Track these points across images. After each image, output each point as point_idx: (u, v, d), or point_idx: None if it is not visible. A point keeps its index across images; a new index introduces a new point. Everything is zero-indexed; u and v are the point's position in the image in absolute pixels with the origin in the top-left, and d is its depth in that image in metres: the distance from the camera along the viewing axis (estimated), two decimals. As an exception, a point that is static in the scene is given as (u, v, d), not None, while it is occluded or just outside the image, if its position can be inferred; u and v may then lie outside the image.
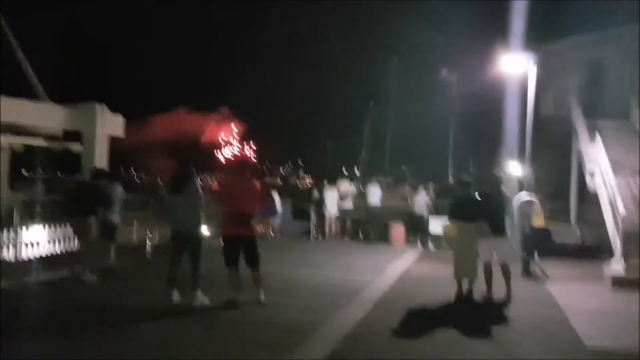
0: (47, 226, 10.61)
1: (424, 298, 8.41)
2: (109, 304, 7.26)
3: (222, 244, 7.21)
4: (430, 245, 14.80)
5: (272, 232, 15.93)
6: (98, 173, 9.59)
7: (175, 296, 7.09)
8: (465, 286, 8.53)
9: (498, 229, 8.58)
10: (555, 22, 19.86)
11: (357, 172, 39.24)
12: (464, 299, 8.43)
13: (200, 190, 7.34)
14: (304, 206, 16.35)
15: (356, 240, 15.80)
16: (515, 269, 9.53)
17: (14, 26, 27.93)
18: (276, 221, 15.74)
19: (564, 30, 19.08)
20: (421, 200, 15.15)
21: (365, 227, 15.98)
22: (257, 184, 7.30)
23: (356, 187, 18.76)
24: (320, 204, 15.54)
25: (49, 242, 10.40)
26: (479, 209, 8.63)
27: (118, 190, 9.15)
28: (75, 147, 26.50)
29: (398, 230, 15.28)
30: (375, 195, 15.90)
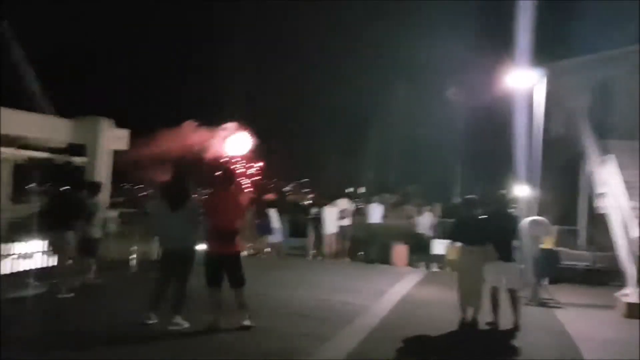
0: (27, 240, 10.03)
1: (425, 325, 7.79)
2: (79, 324, 6.67)
3: (204, 262, 6.65)
4: (434, 266, 14.16)
5: (269, 250, 15.34)
6: (80, 184, 9.04)
7: (153, 318, 6.49)
8: (470, 313, 7.90)
9: (506, 253, 7.98)
10: (563, 41, 19.39)
11: (362, 190, 38.63)
12: (468, 326, 7.80)
13: (199, 208, 6.78)
14: (303, 223, 15.74)
15: (356, 260, 15.16)
16: (523, 294, 8.94)
17: (19, 37, 27.75)
18: (272, 239, 15.15)
19: (572, 49, 18.63)
20: (426, 220, 14.54)
21: (366, 247, 15.35)
22: (243, 197, 6.74)
23: (357, 205, 18.18)
24: (318, 221, 14.93)
25: (28, 256, 9.80)
26: (485, 231, 8.03)
27: (100, 203, 8.58)
28: (79, 160, 26.55)
29: (400, 251, 14.65)
30: (376, 213, 15.28)
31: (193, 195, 6.83)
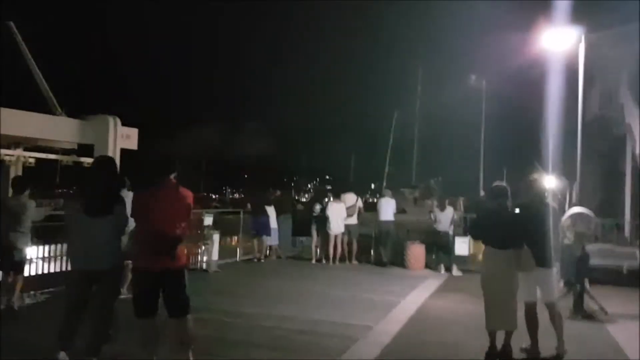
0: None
1: (442, 353, 5.98)
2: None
3: (133, 283, 4.92)
4: (455, 269, 12.26)
5: (268, 253, 13.61)
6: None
7: (63, 358, 4.76)
8: (500, 338, 6.03)
9: (544, 257, 6.12)
10: (601, 9, 17.18)
11: (384, 186, 36.80)
12: (499, 355, 5.95)
13: (126, 214, 5.01)
14: (306, 222, 13.92)
15: (366, 264, 13.33)
16: (563, 304, 7.08)
17: (27, 36, 27.32)
18: (271, 240, 13.42)
19: (613, 18, 16.44)
20: (447, 216, 12.62)
21: (377, 248, 13.49)
22: (189, 195, 4.96)
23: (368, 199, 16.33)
24: (322, 220, 13.09)
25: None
26: (518, 229, 6.16)
27: (30, 208, 6.82)
28: (87, 161, 25.82)
29: (416, 251, 12.76)
30: (388, 209, 13.38)
31: (121, 197, 5.04)
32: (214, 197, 61.21)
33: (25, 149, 20.23)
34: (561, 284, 8.30)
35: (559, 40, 10.43)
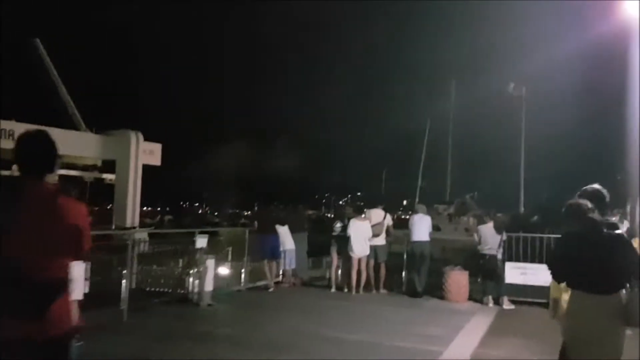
0: None
1: None
2: None
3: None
4: (506, 302, 9.95)
5: (281, 278, 11.54)
6: None
7: None
8: None
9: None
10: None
11: (416, 202, 34.63)
12: None
13: None
14: (325, 242, 11.73)
15: (396, 293, 11.09)
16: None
17: (52, 52, 27.50)
18: (285, 263, 11.33)
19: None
20: (494, 236, 10.31)
21: (409, 274, 11.22)
22: (77, 210, 2.83)
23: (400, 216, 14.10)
24: (344, 240, 10.90)
25: None
26: (622, 262, 3.96)
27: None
28: (109, 177, 25.39)
29: (458, 280, 10.46)
30: (422, 227, 11.10)
31: None
32: (214, 213, 59.12)
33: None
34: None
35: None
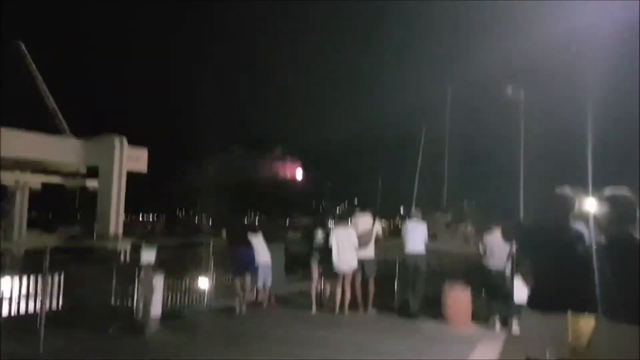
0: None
1: None
2: None
3: None
4: (516, 325, 8.39)
5: (256, 297, 9.96)
6: None
7: None
8: None
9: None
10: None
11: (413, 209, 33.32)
12: None
13: None
14: (306, 255, 10.13)
15: (387, 312, 9.48)
16: None
17: (35, 55, 27.15)
18: (258, 279, 9.74)
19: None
20: (502, 247, 8.74)
21: (402, 291, 9.61)
22: None
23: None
24: (326, 252, 9.32)
25: None
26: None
27: None
28: (92, 184, 24.81)
29: (459, 299, 8.91)
30: (416, 237, 9.53)
31: None
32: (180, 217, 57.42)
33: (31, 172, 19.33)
34: None
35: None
